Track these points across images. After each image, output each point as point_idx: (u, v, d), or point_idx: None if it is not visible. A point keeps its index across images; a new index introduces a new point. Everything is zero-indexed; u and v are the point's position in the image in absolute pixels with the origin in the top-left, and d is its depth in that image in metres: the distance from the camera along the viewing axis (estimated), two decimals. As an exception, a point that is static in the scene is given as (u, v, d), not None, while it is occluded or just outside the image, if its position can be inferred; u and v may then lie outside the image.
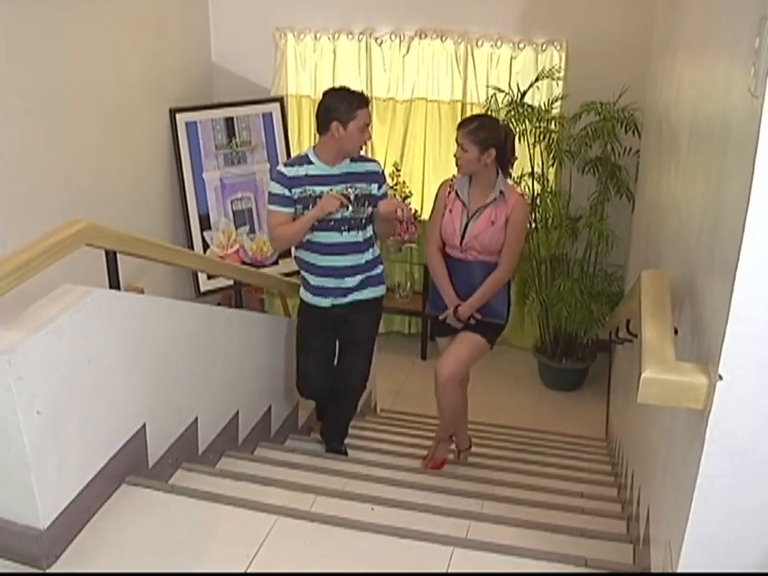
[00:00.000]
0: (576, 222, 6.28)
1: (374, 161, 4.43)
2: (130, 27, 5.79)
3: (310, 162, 4.13)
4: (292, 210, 4.13)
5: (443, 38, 6.40)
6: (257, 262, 6.57)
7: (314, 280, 4.30)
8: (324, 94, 4.10)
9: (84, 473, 2.83)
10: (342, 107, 3.97)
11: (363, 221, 4.21)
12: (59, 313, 2.64)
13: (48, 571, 2.64)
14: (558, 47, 6.20)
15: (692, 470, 1.82)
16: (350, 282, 4.26)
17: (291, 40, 6.73)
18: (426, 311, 4.99)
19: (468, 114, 6.55)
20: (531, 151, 6.11)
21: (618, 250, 6.11)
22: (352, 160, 4.18)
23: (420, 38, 6.44)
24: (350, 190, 4.11)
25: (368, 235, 4.28)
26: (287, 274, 5.89)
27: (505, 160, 4.22)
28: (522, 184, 6.17)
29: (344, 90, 4.10)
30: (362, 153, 4.28)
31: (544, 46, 6.23)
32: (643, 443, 3.32)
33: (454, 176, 4.34)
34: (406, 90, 6.68)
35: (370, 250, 4.32)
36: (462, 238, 4.25)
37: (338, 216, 4.10)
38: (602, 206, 6.14)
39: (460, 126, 4.20)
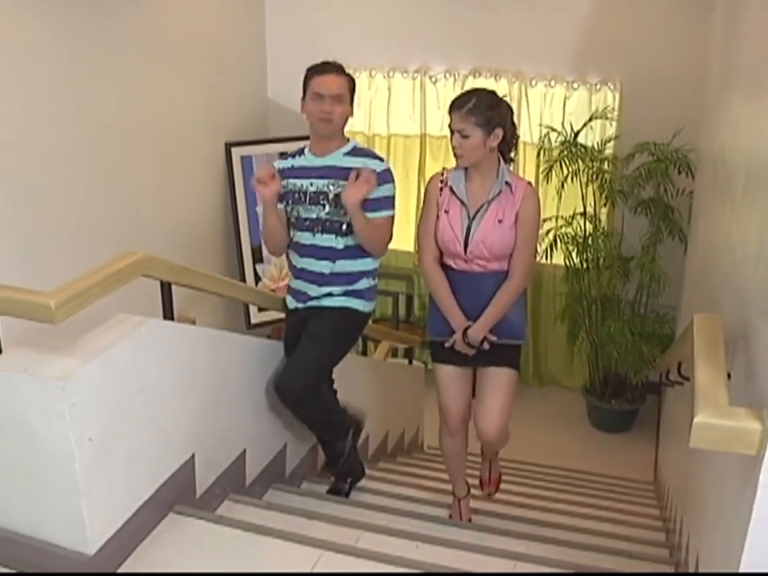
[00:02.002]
0: (628, 263, 6.24)
1: (378, 157, 3.68)
2: (189, 63, 5.90)
3: (303, 154, 3.70)
4: (280, 206, 3.70)
5: (497, 77, 6.44)
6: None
7: (292, 281, 3.87)
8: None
9: (132, 501, 2.85)
10: (304, 81, 3.51)
11: (343, 226, 3.60)
12: (114, 342, 2.68)
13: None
14: (611, 87, 6.21)
15: (744, 516, 1.80)
16: (315, 291, 3.72)
17: (346, 77, 6.80)
18: (425, 337, 3.96)
19: (521, 153, 6.56)
20: (584, 191, 6.10)
21: (669, 292, 6.06)
22: (350, 153, 3.62)
23: (474, 76, 6.48)
24: (330, 187, 3.56)
25: (351, 243, 3.64)
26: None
27: (508, 142, 3.54)
28: (574, 224, 6.16)
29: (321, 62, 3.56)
30: (370, 148, 3.75)
31: (598, 85, 6.24)
32: (693, 488, 3.27)
33: (444, 168, 3.69)
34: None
35: (354, 260, 3.70)
36: (466, 244, 3.53)
37: (313, 215, 3.62)
38: (654, 246, 6.10)
39: (454, 107, 3.42)
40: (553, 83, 6.36)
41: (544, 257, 6.21)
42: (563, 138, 6.03)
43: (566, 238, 6.17)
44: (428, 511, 3.96)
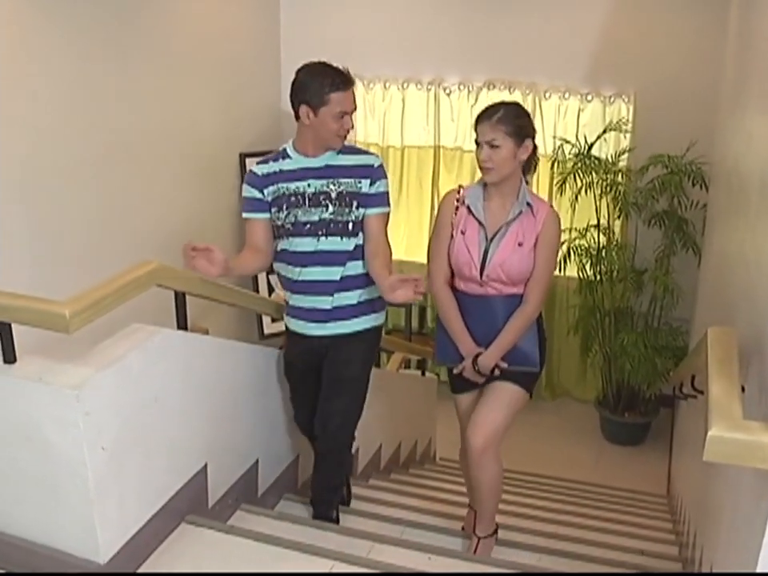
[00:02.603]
0: (641, 275, 6.23)
1: (371, 153, 3.56)
2: (204, 74, 5.92)
3: (288, 156, 3.43)
4: (266, 215, 3.43)
5: (511, 89, 6.45)
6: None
7: (291, 298, 3.53)
8: (298, 70, 3.33)
9: (145, 510, 2.86)
10: (312, 88, 3.24)
11: (350, 225, 3.37)
12: (128, 351, 2.69)
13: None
14: (625, 100, 6.21)
15: (758, 530, 1.79)
16: (326, 303, 3.41)
17: (361, 88, 6.82)
18: (433, 361, 3.74)
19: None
20: (597, 203, 6.09)
21: (683, 304, 6.04)
22: (340, 152, 3.41)
23: (488, 88, 6.49)
24: (332, 186, 3.35)
25: (361, 243, 3.41)
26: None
27: (529, 160, 3.35)
28: (588, 236, 6.15)
29: (321, 64, 3.31)
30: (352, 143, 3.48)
31: (612, 98, 6.24)
32: (707, 501, 3.26)
33: (460, 186, 3.50)
34: (473, 140, 6.69)
35: (362, 262, 3.44)
36: (482, 268, 3.33)
37: (315, 218, 3.34)
38: (667, 259, 6.09)
39: (483, 117, 3.25)
40: (567, 95, 6.36)
41: (557, 269, 6.19)
42: (577, 150, 6.02)
43: (579, 250, 6.17)
44: (440, 523, 3.96)
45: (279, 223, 3.40)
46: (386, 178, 3.46)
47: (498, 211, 3.34)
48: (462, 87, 6.54)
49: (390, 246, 3.45)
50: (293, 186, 3.37)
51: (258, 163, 3.48)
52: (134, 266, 2.84)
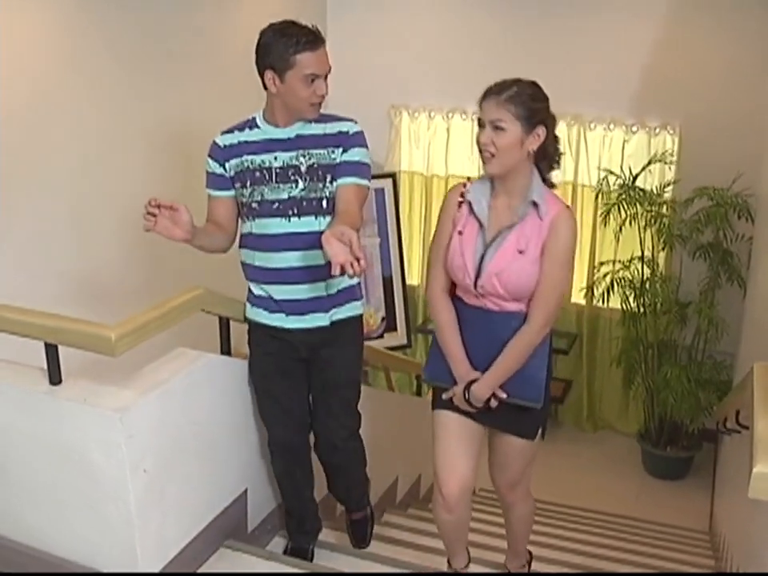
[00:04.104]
0: (685, 308, 6.17)
1: (348, 119, 3.06)
2: (252, 97, 5.97)
3: (256, 126, 3.04)
4: (230, 192, 3.06)
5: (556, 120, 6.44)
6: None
7: (259, 289, 3.10)
8: (262, 31, 2.90)
9: (184, 533, 2.88)
10: (276, 50, 2.83)
11: (324, 202, 2.96)
12: (171, 375, 2.73)
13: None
14: (671, 131, 6.18)
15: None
16: (303, 292, 3.02)
17: (406, 118, 6.87)
18: (424, 377, 3.18)
19: (579, 196, 6.55)
20: (642, 235, 6.05)
21: (727, 338, 5.97)
22: (314, 121, 2.99)
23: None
24: (302, 159, 2.95)
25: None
26: (392, 348, 5.90)
27: (547, 153, 2.82)
28: (632, 268, 6.11)
29: (287, 23, 2.88)
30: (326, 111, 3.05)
31: (657, 129, 6.22)
32: (751, 539, 3.21)
33: (468, 179, 3.05)
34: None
35: None
36: (477, 276, 2.82)
37: (284, 195, 2.95)
38: (712, 292, 6.03)
39: (489, 92, 2.71)
40: (612, 126, 6.35)
41: (601, 300, 6.18)
42: (622, 182, 6.00)
43: (623, 281, 6.13)
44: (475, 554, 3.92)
45: (244, 200, 3.03)
46: (363, 146, 3.02)
47: (504, 211, 2.83)
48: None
49: (362, 218, 2.97)
50: (258, 159, 2.99)
51: (221, 132, 3.08)
52: (181, 292, 2.87)
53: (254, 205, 2.99)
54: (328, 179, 2.95)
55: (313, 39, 2.85)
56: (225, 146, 3.02)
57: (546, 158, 2.82)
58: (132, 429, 2.51)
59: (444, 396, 2.96)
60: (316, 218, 2.96)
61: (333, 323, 3.08)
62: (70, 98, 4.26)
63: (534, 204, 2.76)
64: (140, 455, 2.57)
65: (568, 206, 2.87)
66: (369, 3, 6.82)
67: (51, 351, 2.59)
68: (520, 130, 2.68)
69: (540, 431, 3.07)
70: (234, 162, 3.01)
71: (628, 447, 6.83)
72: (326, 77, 2.94)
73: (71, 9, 4.20)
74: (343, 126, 3.00)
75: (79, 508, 2.69)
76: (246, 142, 3.01)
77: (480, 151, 2.76)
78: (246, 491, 3.22)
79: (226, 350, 3.21)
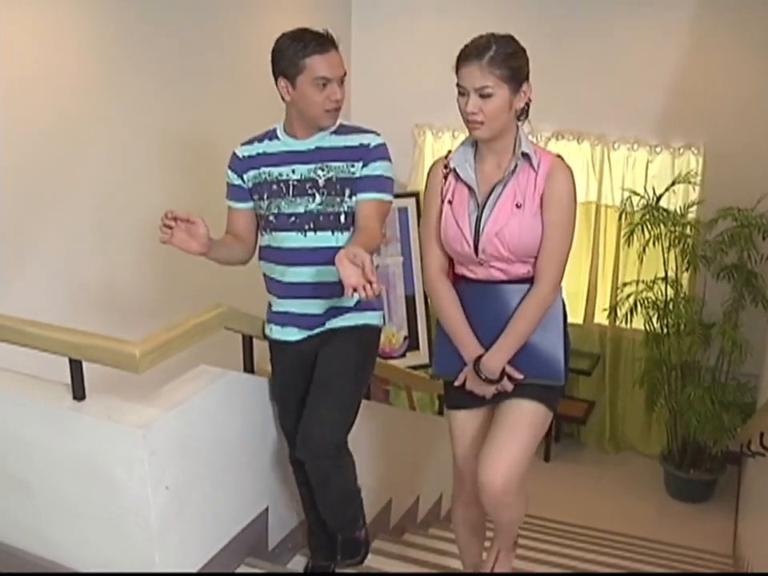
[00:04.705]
0: (709, 329, 6.13)
1: (371, 132, 2.95)
2: (275, 115, 6.00)
3: (276, 137, 2.98)
4: (249, 204, 3.01)
5: (580, 140, 6.45)
6: (384, 354, 6.58)
7: (275, 304, 3.05)
8: (276, 40, 2.86)
9: (205, 551, 2.89)
10: (287, 55, 2.78)
11: (341, 217, 2.87)
12: (194, 392, 2.74)
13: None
14: (695, 152, 6.17)
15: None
16: (317, 307, 2.94)
17: (429, 137, 6.90)
18: (430, 373, 3.04)
19: (602, 216, 6.54)
20: (665, 255, 6.03)
21: (751, 360, 5.93)
22: (336, 132, 2.93)
23: (557, 139, 6.50)
24: (320, 172, 2.86)
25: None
26: (414, 368, 5.89)
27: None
28: (655, 288, 6.08)
29: (299, 29, 2.82)
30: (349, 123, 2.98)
31: (681, 150, 6.20)
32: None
33: (450, 151, 2.83)
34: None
35: None
36: (476, 240, 2.66)
37: (301, 209, 2.87)
38: (736, 313, 6.00)
39: (468, 56, 2.58)
40: (635, 146, 6.34)
41: (624, 321, 6.16)
42: (645, 202, 5.99)
43: (646, 302, 6.10)
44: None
45: (261, 213, 2.98)
46: (386, 159, 2.90)
47: (493, 172, 2.70)
48: (530, 137, 6.53)
49: (383, 234, 2.92)
50: (276, 171, 2.92)
51: (241, 144, 3.04)
52: (204, 309, 2.89)
53: (271, 218, 2.93)
54: (346, 193, 2.86)
55: (322, 42, 2.77)
56: (243, 157, 2.99)
57: (520, 109, 2.68)
58: (154, 445, 2.52)
59: (456, 382, 2.77)
60: (333, 233, 2.88)
61: (341, 328, 2.96)
62: (94, 111, 4.29)
63: (526, 156, 2.65)
64: (162, 472, 2.58)
65: (559, 155, 2.74)
66: (393, 22, 6.86)
67: (75, 367, 2.61)
68: (507, 92, 2.55)
69: (555, 403, 2.81)
70: (252, 173, 2.96)
71: (651, 469, 6.78)
72: (341, 82, 2.85)
73: (99, 20, 4.24)
74: (364, 139, 2.90)
75: (100, 523, 2.70)
76: (264, 153, 2.96)
77: (465, 120, 2.61)
78: (267, 509, 3.23)
79: (248, 367, 3.22)
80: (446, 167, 2.77)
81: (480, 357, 2.69)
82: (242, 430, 3.04)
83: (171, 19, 4.73)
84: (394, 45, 6.91)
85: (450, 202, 2.72)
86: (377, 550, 3.89)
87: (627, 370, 6.85)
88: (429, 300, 6.76)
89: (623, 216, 6.21)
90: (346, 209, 2.87)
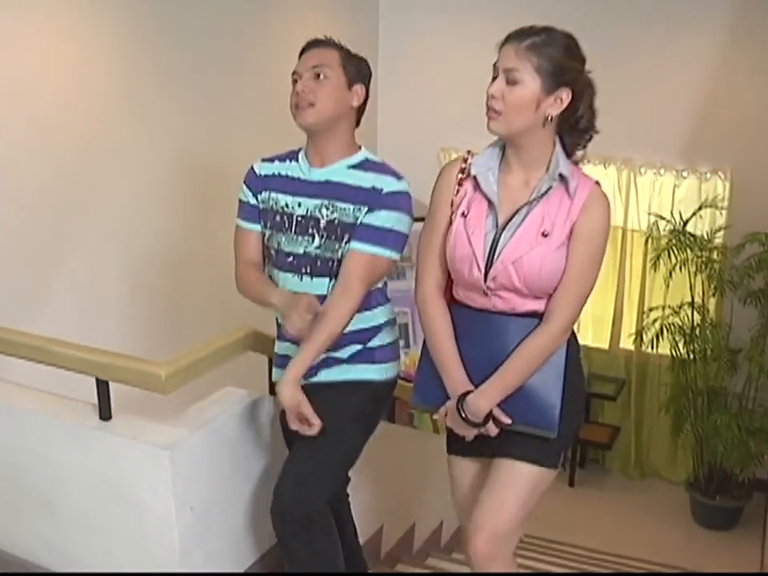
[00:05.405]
0: (736, 355, 6.09)
1: (393, 174, 2.58)
2: (297, 138, 6.03)
3: (295, 160, 2.69)
4: (258, 226, 2.71)
5: (606, 164, 6.44)
6: (410, 377, 6.53)
7: (278, 346, 2.79)
8: None
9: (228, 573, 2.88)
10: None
11: (339, 264, 2.56)
12: (219, 414, 2.76)
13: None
14: (722, 176, 6.14)
15: None
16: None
17: (455, 161, 6.90)
18: (411, 402, 2.72)
19: (629, 241, 6.53)
20: (692, 280, 6.00)
21: (779, 386, 5.89)
22: (357, 167, 2.59)
23: (583, 163, 6.47)
24: (324, 211, 2.56)
25: None
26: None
27: (576, 123, 2.39)
28: (682, 314, 6.05)
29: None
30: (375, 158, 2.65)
31: (708, 174, 6.18)
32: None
33: (469, 152, 2.51)
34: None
35: (361, 313, 2.58)
36: (488, 266, 2.33)
37: (300, 250, 2.59)
38: (763, 338, 5.95)
39: (512, 37, 2.27)
40: (662, 171, 6.33)
41: (650, 346, 6.12)
42: (672, 227, 5.97)
43: (672, 327, 6.07)
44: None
45: (264, 241, 2.71)
46: (397, 210, 2.53)
47: (519, 188, 2.37)
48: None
49: (356, 302, 2.51)
50: (282, 200, 2.64)
51: (262, 159, 2.75)
52: (230, 331, 2.91)
53: (272, 251, 2.67)
54: (345, 239, 2.53)
55: (309, 44, 2.62)
56: (260, 175, 2.71)
57: (576, 131, 2.39)
58: (179, 466, 2.53)
59: (434, 416, 2.51)
60: (330, 280, 2.57)
61: (335, 383, 2.66)
62: (120, 138, 4.34)
63: (563, 178, 2.32)
64: (186, 493, 2.59)
65: (597, 182, 2.42)
66: (420, 48, 6.90)
67: (102, 387, 2.63)
68: (538, 86, 2.23)
69: (556, 461, 2.50)
70: (264, 195, 2.68)
71: (676, 496, 6.72)
72: (315, 76, 2.54)
73: (129, 48, 4.30)
74: (379, 182, 2.54)
75: (124, 543, 2.71)
76: (279, 175, 2.67)
77: (486, 109, 2.35)
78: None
79: (273, 390, 3.22)
80: (462, 171, 2.43)
81: (466, 394, 2.38)
82: (266, 452, 3.04)
83: (200, 37, 4.79)
84: (421, 68, 6.94)
85: (464, 215, 2.38)
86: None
87: (653, 396, 6.81)
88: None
89: (650, 241, 6.20)
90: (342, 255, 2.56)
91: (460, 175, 2.43)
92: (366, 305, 2.59)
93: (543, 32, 2.24)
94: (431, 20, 6.80)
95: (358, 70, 2.62)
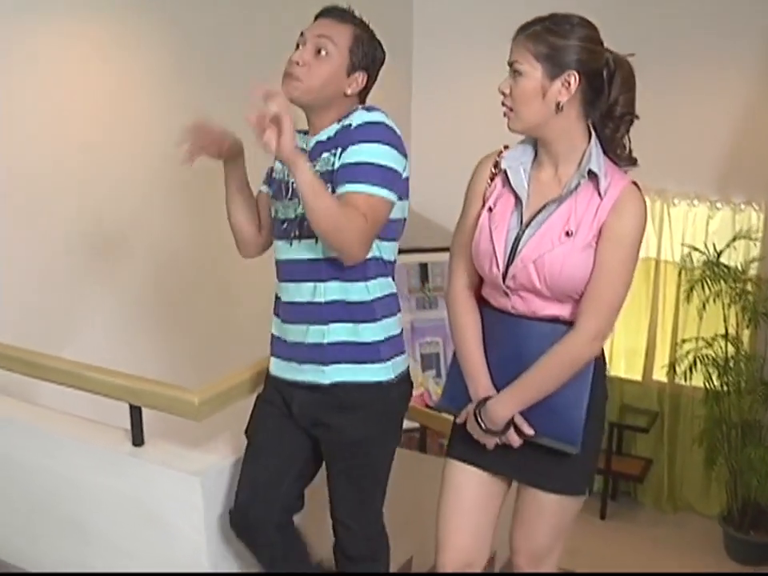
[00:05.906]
0: (770, 388, 6.05)
1: (366, 109, 2.36)
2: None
3: (305, 131, 2.49)
4: (264, 187, 2.64)
5: (639, 195, 6.43)
6: (436, 405, 6.55)
7: (274, 326, 2.57)
8: None
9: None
10: None
11: None
12: (250, 441, 2.75)
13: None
14: (756, 207, 6.11)
15: None
16: (302, 334, 2.40)
17: (487, 188, 6.90)
18: (437, 404, 2.33)
19: (662, 272, 6.48)
20: (726, 312, 5.97)
21: (814, 421, 5.83)
22: (344, 123, 2.34)
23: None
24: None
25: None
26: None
27: (611, 111, 2.25)
28: (716, 345, 6.00)
29: None
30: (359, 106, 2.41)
31: (742, 206, 6.15)
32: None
33: (506, 146, 2.38)
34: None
35: (354, 283, 2.37)
36: (508, 264, 2.22)
37: (291, 214, 2.42)
38: (798, 372, 5.91)
39: (518, 30, 2.18)
40: (696, 202, 6.30)
41: (683, 378, 6.07)
42: (705, 258, 5.94)
43: (706, 359, 6.03)
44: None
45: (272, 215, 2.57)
46: (373, 141, 2.27)
47: (549, 183, 2.25)
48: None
49: (363, 226, 2.22)
50: (279, 167, 2.50)
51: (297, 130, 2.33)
52: (262, 359, 2.92)
53: (275, 223, 2.52)
54: (329, 190, 2.26)
55: (323, 11, 2.40)
56: None
57: (611, 119, 2.26)
58: (211, 492, 2.54)
59: (458, 420, 2.39)
60: (316, 242, 2.34)
61: (335, 385, 2.40)
62: (142, 142, 4.37)
63: (592, 174, 2.18)
64: (216, 519, 2.60)
65: (634, 182, 2.27)
66: (452, 89, 6.93)
67: (135, 413, 2.66)
68: (540, 74, 2.12)
69: (583, 486, 2.39)
70: (276, 165, 2.54)
71: (709, 530, 6.63)
72: (316, 51, 2.33)
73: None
74: (349, 119, 2.33)
75: (154, 568, 2.72)
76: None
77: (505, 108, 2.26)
78: (321, 561, 3.22)
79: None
80: (495, 166, 2.34)
81: (486, 399, 2.28)
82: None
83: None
84: (455, 103, 6.97)
85: (490, 210, 2.29)
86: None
87: (686, 428, 6.75)
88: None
89: (683, 272, 6.17)
90: None
91: (493, 169, 2.34)
92: (357, 274, 2.38)
93: (547, 19, 2.14)
94: (464, 43, 6.83)
95: (365, 56, 2.39)
